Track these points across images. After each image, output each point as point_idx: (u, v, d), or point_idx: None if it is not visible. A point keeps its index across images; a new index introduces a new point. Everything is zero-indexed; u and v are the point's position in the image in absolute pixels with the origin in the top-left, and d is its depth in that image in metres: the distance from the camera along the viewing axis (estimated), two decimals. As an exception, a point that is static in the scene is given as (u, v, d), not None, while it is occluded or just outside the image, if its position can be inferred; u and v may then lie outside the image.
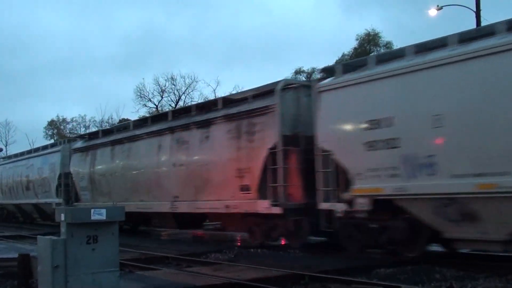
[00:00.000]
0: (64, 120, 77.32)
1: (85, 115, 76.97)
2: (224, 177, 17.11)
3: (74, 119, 76.74)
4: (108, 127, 40.85)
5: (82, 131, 73.83)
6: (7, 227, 31.33)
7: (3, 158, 42.27)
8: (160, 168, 20.35)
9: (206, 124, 18.41)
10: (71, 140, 31.09)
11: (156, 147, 20.58)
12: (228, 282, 10.16)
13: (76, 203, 26.10)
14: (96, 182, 24.69)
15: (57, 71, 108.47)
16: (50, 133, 77.02)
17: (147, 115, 60.78)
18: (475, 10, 25.87)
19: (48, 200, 29.44)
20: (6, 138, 79.78)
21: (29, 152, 35.57)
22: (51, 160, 29.69)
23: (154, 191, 20.58)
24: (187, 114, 20.31)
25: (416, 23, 79.88)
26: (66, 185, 27.74)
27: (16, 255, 10.89)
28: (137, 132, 22.31)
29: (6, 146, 74.63)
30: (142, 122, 23.97)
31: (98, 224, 8.21)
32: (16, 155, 38.54)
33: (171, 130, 20.04)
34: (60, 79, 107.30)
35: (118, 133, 24.12)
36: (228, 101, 18.58)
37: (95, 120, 73.35)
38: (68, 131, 75.42)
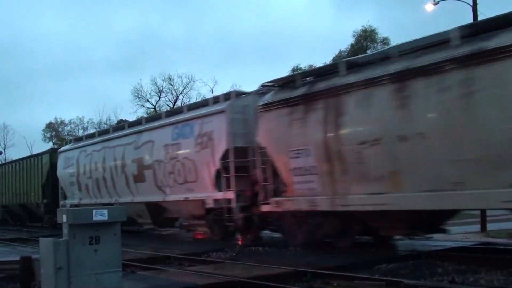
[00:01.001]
0: (62, 122, 77.28)
1: (83, 116, 76.97)
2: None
3: (72, 121, 76.70)
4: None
5: (80, 133, 73.82)
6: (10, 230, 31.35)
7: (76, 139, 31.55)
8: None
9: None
10: None
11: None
12: (230, 280, 10.16)
13: None
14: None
15: (54, 74, 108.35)
16: (48, 135, 76.97)
17: (145, 115, 60.83)
18: (471, 4, 25.84)
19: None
20: (4, 141, 79.81)
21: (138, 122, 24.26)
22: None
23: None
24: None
25: (409, 19, 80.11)
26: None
27: (17, 258, 10.91)
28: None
29: (4, 149, 74.64)
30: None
31: (100, 224, 8.23)
32: (106, 131, 27.03)
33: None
34: (57, 81, 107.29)
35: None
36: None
37: (93, 122, 73.37)
38: (66, 133, 75.35)
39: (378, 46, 49.24)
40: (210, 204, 17.91)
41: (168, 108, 63.02)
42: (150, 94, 64.01)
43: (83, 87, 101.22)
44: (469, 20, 24.48)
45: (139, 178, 21.37)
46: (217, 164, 17.36)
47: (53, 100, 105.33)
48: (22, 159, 35.35)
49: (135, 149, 21.74)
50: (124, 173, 22.30)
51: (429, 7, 27.16)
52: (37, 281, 9.88)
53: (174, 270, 12.37)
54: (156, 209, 21.24)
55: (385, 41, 48.93)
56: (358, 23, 79.22)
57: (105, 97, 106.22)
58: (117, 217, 8.45)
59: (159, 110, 61.69)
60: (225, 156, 17.06)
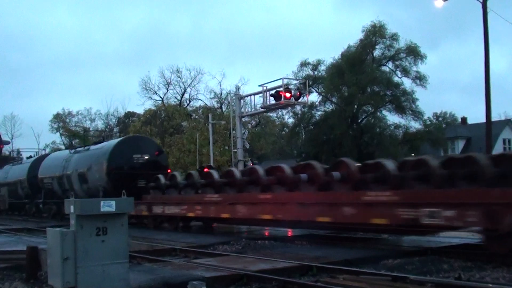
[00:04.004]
0: (69, 113, 77.46)
1: (90, 108, 77.26)
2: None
3: (79, 112, 76.89)
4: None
5: (87, 124, 74.02)
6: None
7: None
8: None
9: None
10: None
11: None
12: (236, 273, 10.18)
13: None
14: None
15: (64, 67, 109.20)
16: (55, 126, 77.19)
17: (153, 108, 60.86)
18: (481, 0, 25.71)
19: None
20: (12, 131, 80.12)
21: None
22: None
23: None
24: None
25: (409, 17, 79.88)
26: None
27: (24, 248, 10.95)
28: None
29: (12, 140, 74.96)
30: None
31: (108, 215, 8.23)
32: None
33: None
34: (66, 74, 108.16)
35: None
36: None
37: (100, 113, 73.57)
38: (73, 124, 75.56)
39: (387, 41, 49.11)
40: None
41: (177, 100, 63.08)
42: (158, 86, 64.10)
43: (92, 79, 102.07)
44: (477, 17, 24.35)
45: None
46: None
47: (62, 91, 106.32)
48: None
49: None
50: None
51: (439, 3, 27.06)
52: (43, 271, 9.94)
53: (180, 262, 12.40)
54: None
55: (394, 37, 48.76)
56: (363, 19, 79.39)
57: (113, 89, 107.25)
58: (124, 208, 8.46)
59: (167, 102, 61.80)
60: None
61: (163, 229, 21.44)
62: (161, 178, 22.61)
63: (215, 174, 20.21)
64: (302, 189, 15.79)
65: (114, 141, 27.15)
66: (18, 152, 44.64)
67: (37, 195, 32.27)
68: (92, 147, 27.91)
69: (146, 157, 25.23)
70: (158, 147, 28.15)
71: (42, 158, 34.61)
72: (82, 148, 28.89)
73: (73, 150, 30.10)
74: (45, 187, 30.97)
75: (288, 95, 25.83)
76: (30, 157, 40.05)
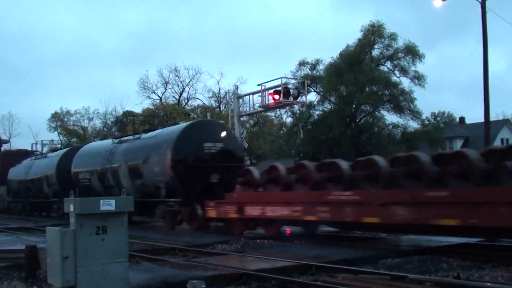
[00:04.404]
0: (67, 112, 77.25)
1: (88, 107, 77.02)
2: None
3: (77, 111, 76.70)
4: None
5: (85, 123, 73.87)
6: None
7: None
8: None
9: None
10: None
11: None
12: (235, 272, 10.19)
13: None
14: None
15: (62, 66, 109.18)
16: (53, 125, 77.01)
17: (152, 107, 60.83)
18: (480, 0, 25.74)
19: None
20: (10, 130, 79.96)
21: None
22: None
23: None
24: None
25: (411, 18, 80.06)
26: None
27: (23, 247, 10.95)
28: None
29: (10, 138, 74.81)
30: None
31: (107, 214, 8.22)
32: None
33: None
34: (65, 73, 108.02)
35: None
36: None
37: (98, 112, 73.41)
38: (71, 123, 75.43)
39: (386, 41, 49.10)
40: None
41: (175, 100, 63.05)
42: (156, 85, 63.99)
43: (91, 79, 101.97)
44: (478, 16, 24.39)
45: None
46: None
47: (60, 91, 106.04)
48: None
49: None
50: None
51: (438, 3, 27.07)
52: (42, 270, 9.93)
53: (179, 261, 12.39)
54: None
55: (392, 36, 48.74)
56: (362, 19, 79.57)
57: (112, 88, 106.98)
58: (124, 207, 8.45)
59: (165, 102, 61.77)
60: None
61: (257, 236, 16.81)
62: (254, 171, 18.38)
63: (344, 165, 15.29)
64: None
65: (180, 126, 22.81)
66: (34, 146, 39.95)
67: (69, 192, 28.26)
68: (144, 135, 23.68)
69: (220, 146, 20.94)
70: (232, 133, 24.03)
71: (75, 150, 30.34)
72: (130, 137, 24.44)
73: (117, 140, 25.55)
74: (80, 183, 26.24)
75: (286, 94, 25.88)
76: (56, 149, 35.95)
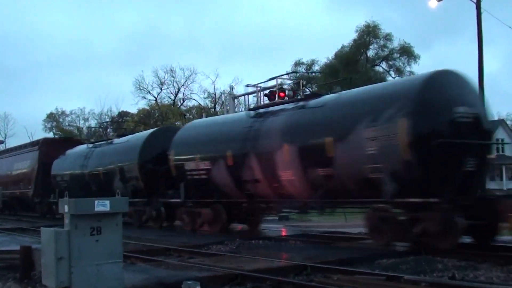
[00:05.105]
0: (63, 112, 77.20)
1: (84, 107, 76.95)
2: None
3: (73, 112, 76.63)
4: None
5: (81, 123, 73.77)
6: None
7: None
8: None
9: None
10: None
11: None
12: (230, 273, 10.17)
13: None
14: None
15: (58, 67, 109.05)
16: (49, 125, 76.92)
17: (147, 107, 60.75)
18: (475, 1, 25.74)
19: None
20: (5, 131, 79.81)
21: None
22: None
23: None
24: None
25: (405, 18, 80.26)
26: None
27: (17, 248, 10.90)
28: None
29: (5, 139, 74.67)
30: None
31: (102, 215, 8.21)
32: None
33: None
34: (60, 74, 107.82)
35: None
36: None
37: (94, 113, 73.33)
38: (67, 124, 75.35)
39: (381, 41, 49.21)
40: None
41: (170, 100, 62.95)
42: (151, 86, 64.00)
43: (86, 79, 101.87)
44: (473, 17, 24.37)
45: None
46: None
47: (56, 91, 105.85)
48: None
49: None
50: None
51: (433, 3, 27.07)
52: (37, 270, 9.90)
53: (174, 262, 12.35)
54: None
55: (387, 37, 48.87)
56: (356, 19, 79.69)
57: (107, 89, 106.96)
58: (119, 208, 8.44)
59: (161, 102, 61.70)
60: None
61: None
62: None
63: None
64: None
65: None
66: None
67: (160, 191, 21.45)
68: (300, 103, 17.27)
69: (474, 113, 13.12)
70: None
71: (167, 130, 23.43)
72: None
73: (253, 113, 18.74)
74: (187, 178, 19.56)
75: (282, 94, 25.77)
76: (132, 132, 29.38)
